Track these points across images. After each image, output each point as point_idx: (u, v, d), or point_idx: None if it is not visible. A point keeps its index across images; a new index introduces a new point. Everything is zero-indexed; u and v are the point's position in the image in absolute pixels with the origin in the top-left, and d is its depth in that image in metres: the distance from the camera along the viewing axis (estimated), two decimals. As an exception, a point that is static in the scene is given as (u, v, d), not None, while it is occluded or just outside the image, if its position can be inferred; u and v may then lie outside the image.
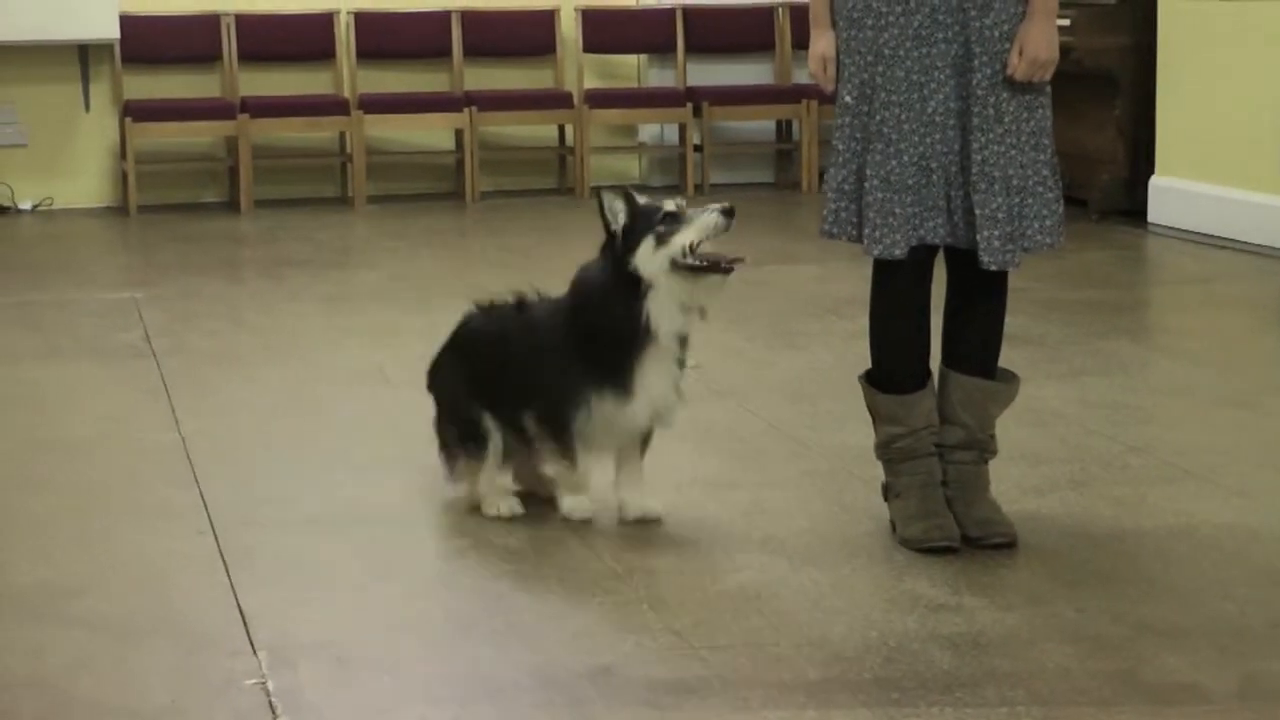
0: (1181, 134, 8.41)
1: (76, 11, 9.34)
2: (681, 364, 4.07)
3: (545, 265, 7.98)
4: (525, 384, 4.12)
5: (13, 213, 9.68)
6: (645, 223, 3.98)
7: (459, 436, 4.22)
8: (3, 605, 3.66)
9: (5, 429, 5.08)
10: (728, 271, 3.96)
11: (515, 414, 4.15)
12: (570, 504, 4.13)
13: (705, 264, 3.95)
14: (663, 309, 3.98)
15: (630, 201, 4.02)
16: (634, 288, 3.98)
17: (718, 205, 3.96)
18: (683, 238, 3.94)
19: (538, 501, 4.26)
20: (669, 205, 4.00)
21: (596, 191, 4.11)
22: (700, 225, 3.94)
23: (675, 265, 3.95)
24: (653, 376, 4.02)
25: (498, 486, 4.20)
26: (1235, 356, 5.97)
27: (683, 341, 4.04)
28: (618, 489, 4.16)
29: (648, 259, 3.96)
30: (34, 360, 6.01)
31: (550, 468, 4.19)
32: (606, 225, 4.03)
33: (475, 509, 4.19)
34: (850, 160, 3.89)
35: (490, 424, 4.16)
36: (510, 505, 4.19)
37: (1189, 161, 8.38)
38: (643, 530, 4.08)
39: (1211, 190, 8.18)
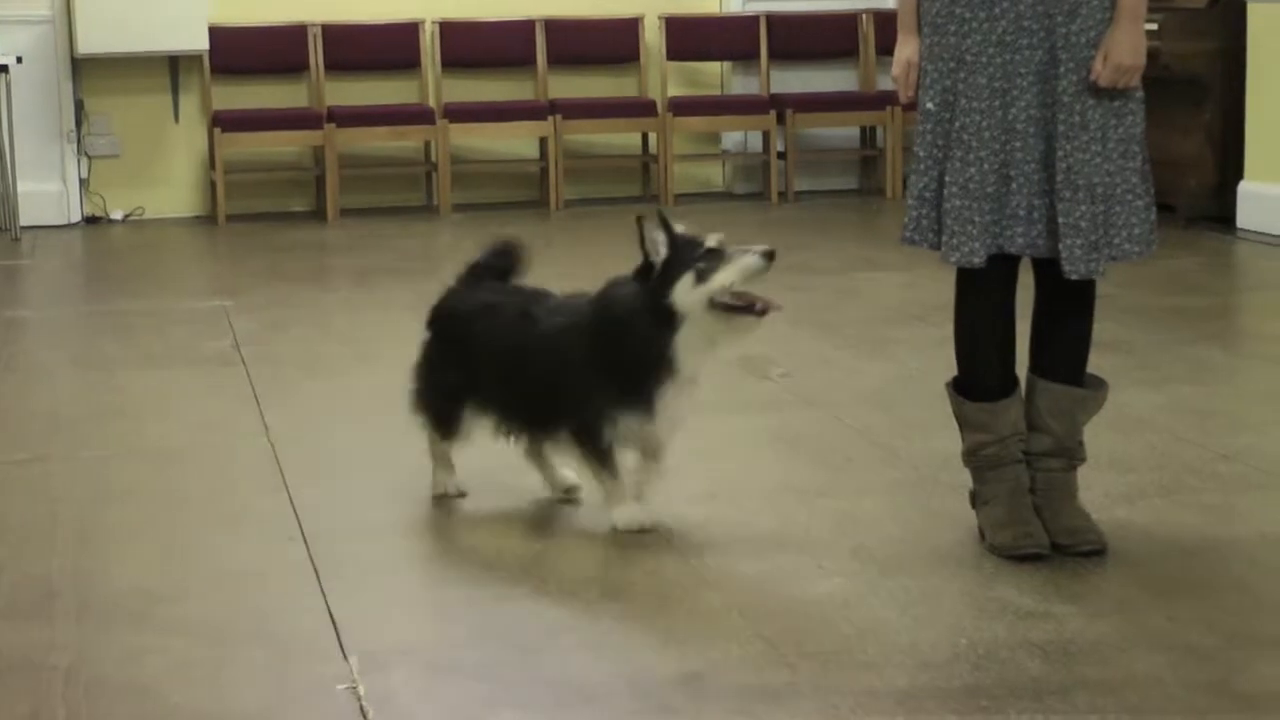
0: (1270, 139, 8.33)
1: (166, 23, 9.45)
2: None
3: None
4: (549, 397, 4.16)
5: (105, 222, 9.81)
6: (685, 257, 3.98)
7: (434, 420, 4.34)
8: (99, 611, 3.71)
9: (99, 436, 5.15)
10: (761, 314, 3.97)
11: (534, 420, 4.21)
12: (621, 515, 4.13)
13: (741, 305, 3.97)
14: (692, 344, 4.00)
15: (671, 233, 4.01)
16: (667, 320, 3.99)
17: (759, 247, 3.96)
18: (723, 277, 3.95)
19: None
20: (710, 241, 3.99)
21: (638, 220, 4.08)
22: (741, 267, 3.95)
23: (712, 303, 3.97)
24: (673, 400, 4.04)
25: (448, 470, 4.38)
26: (1327, 363, 5.92)
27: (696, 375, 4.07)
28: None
29: (685, 294, 3.97)
30: (126, 368, 6.09)
31: (589, 481, 4.22)
32: (645, 255, 4.03)
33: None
34: (931, 167, 3.87)
35: (467, 414, 4.27)
36: (456, 485, 4.38)
37: (1278, 166, 8.30)
38: (731, 538, 4.08)
39: (1301, 195, 8.12)
